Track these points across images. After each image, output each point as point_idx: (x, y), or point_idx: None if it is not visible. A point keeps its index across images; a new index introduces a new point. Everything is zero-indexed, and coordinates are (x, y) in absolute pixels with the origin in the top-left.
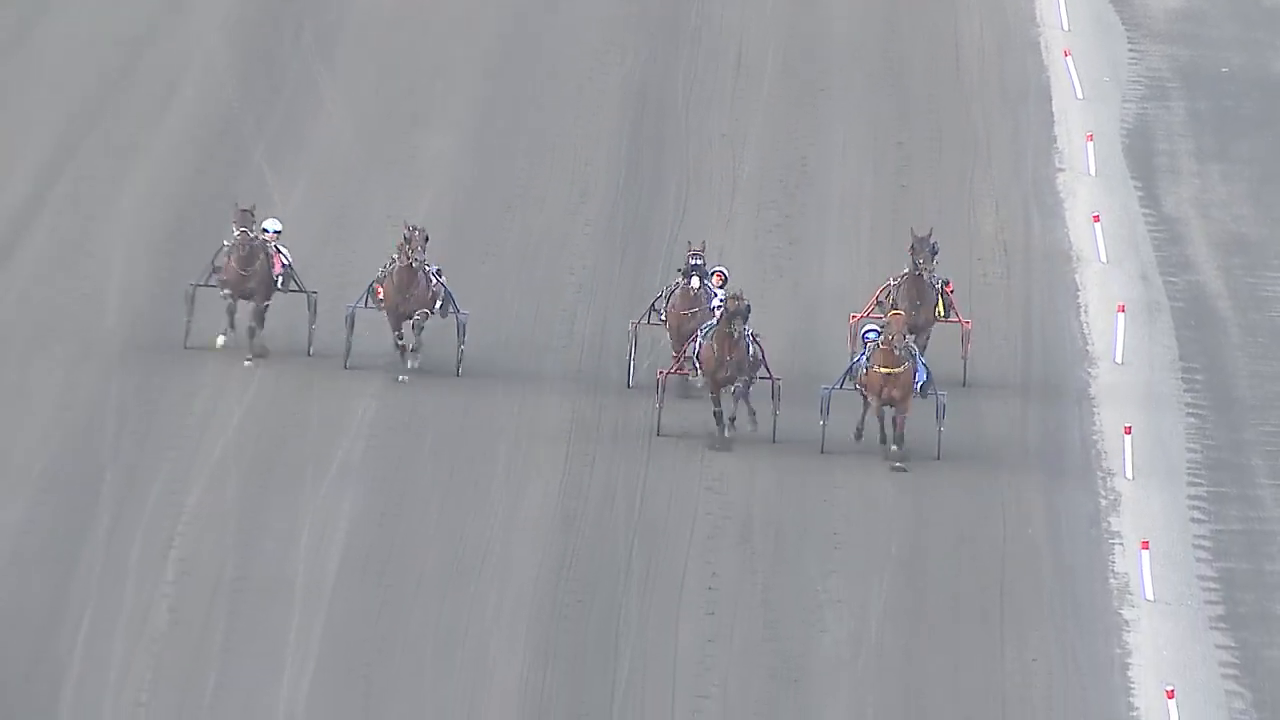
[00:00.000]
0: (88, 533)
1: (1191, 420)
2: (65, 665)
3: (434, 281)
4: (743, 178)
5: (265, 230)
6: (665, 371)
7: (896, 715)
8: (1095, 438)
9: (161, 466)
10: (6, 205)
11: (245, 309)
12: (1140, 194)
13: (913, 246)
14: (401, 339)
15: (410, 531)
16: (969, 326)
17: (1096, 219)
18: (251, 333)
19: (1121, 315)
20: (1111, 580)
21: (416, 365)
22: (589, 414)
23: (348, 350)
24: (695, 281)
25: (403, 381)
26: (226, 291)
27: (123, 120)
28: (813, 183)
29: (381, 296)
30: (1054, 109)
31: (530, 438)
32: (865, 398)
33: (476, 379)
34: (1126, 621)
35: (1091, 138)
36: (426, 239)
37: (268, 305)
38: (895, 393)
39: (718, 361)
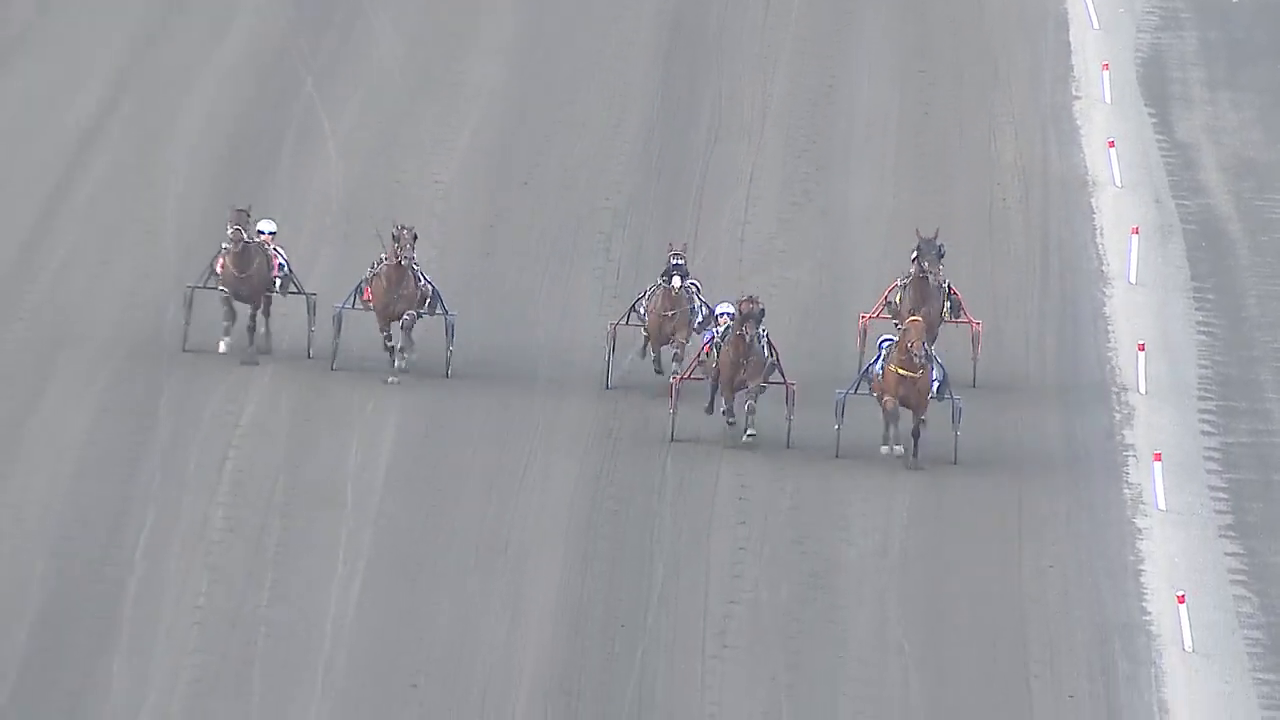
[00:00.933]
0: (147, 446)
1: (1202, 338)
2: (127, 570)
3: (422, 281)
4: (772, 102)
5: (261, 232)
6: (680, 377)
7: (919, 619)
8: (1110, 355)
9: (217, 388)
10: (72, 128)
11: (245, 311)
12: (1154, 120)
13: (919, 248)
14: (390, 339)
15: (454, 444)
16: (979, 328)
17: (1111, 145)
18: (250, 334)
19: (1135, 237)
20: (1125, 490)
21: (404, 365)
22: (626, 333)
23: (334, 351)
24: (676, 282)
25: (392, 383)
26: (225, 293)
27: (178, 47)
28: (839, 108)
29: (369, 297)
30: (1071, 39)
31: (569, 353)
32: (881, 401)
33: (517, 300)
34: (1139, 530)
35: (1107, 67)
36: (415, 237)
37: (268, 304)
38: (911, 395)
39: (734, 365)
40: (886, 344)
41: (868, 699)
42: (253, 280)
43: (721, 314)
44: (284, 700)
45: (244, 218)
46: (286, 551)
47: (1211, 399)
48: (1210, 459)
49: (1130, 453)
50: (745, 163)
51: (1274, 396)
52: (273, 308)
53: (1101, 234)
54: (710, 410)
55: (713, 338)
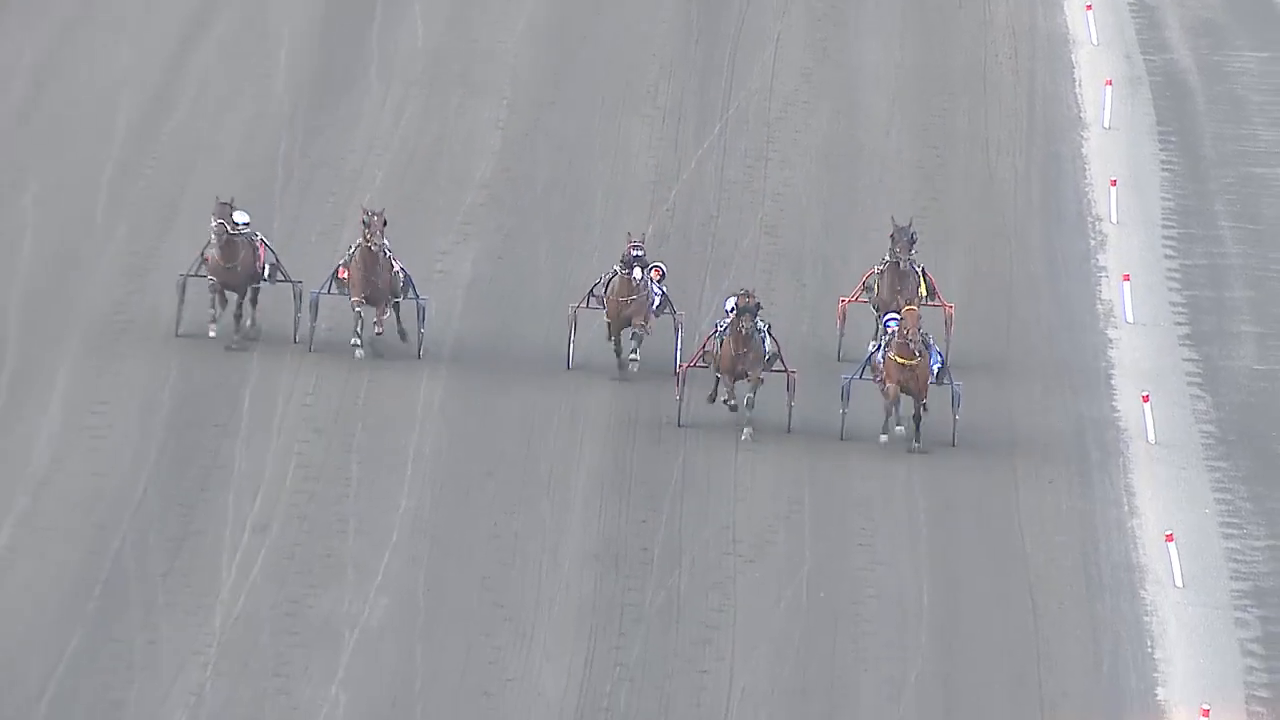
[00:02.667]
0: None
1: (1166, 174)
2: (236, 424)
3: (394, 266)
4: None
5: (236, 224)
6: (686, 365)
7: (929, 422)
8: (1087, 189)
9: (317, 216)
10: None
11: (233, 300)
12: None
13: (892, 235)
14: (378, 325)
15: (523, 268)
16: (951, 310)
17: (1089, 8)
18: (238, 321)
19: (1109, 88)
20: (1099, 306)
21: (361, 353)
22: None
23: (311, 335)
24: (637, 273)
25: (360, 354)
26: (213, 281)
27: None
28: None
29: (345, 278)
30: None
31: (624, 184)
32: (884, 389)
33: (578, 142)
34: (1110, 340)
35: None
36: (385, 223)
37: (256, 293)
38: (912, 383)
39: (735, 356)
40: (891, 323)
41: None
42: (239, 270)
43: (729, 309)
44: (378, 482)
45: (227, 210)
46: (380, 359)
47: (1173, 227)
48: (1171, 278)
49: (1104, 273)
50: (773, 29)
51: (1226, 224)
52: (260, 296)
53: (1079, 85)
54: (713, 399)
55: (716, 329)
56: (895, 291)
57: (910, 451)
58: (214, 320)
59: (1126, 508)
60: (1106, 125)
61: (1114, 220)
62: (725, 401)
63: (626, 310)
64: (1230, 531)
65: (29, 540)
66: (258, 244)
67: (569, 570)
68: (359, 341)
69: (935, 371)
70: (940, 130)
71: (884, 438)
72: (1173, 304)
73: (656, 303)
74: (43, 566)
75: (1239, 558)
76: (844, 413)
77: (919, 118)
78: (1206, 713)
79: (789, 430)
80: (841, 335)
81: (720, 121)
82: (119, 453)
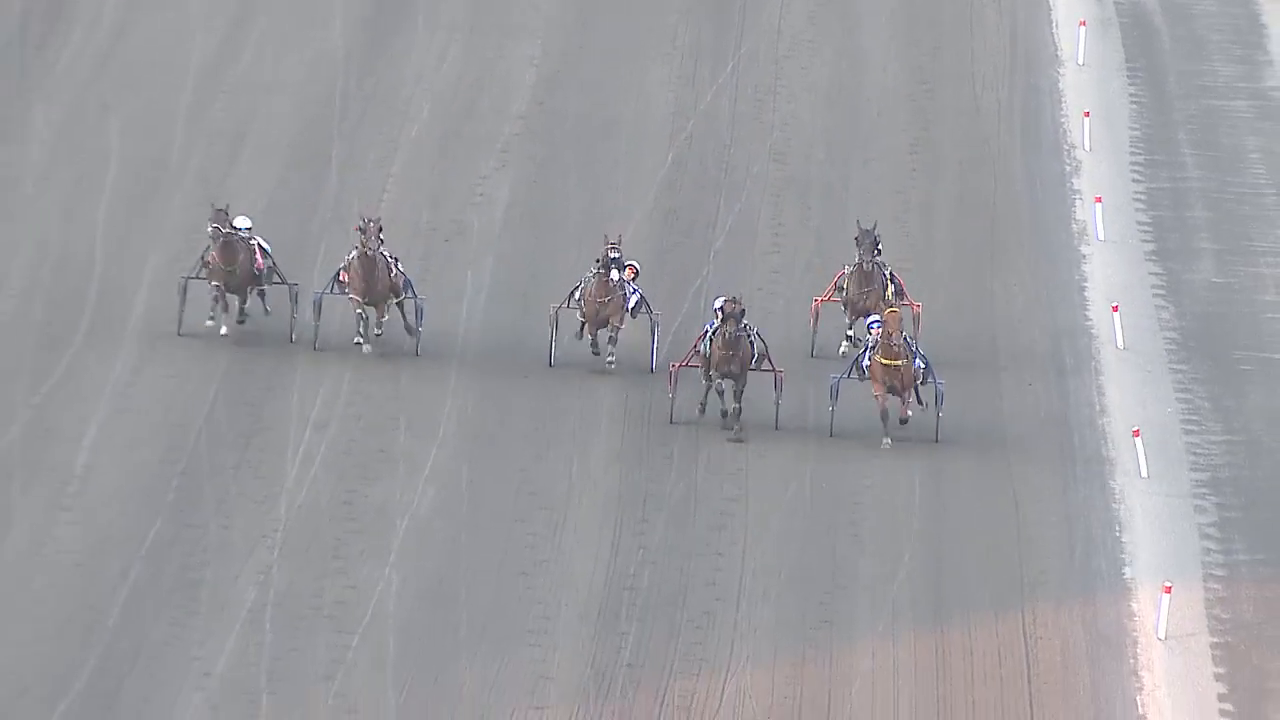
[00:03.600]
0: (322, 194)
1: (1134, 106)
2: (309, 281)
3: (394, 270)
4: None
5: (236, 229)
6: (677, 364)
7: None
8: (1062, 120)
9: (371, 145)
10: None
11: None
12: None
13: (857, 238)
14: (366, 319)
15: (555, 192)
16: (918, 309)
17: None
18: (239, 323)
19: (1083, 28)
20: (1073, 226)
21: (368, 348)
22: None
23: (316, 333)
24: (614, 274)
25: (366, 350)
26: (214, 283)
27: None
28: None
29: (346, 281)
30: None
31: (645, 119)
32: (876, 398)
33: (607, 74)
34: (1084, 256)
35: None
36: (381, 229)
37: (251, 294)
38: (897, 382)
39: (723, 357)
40: (875, 325)
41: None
42: (238, 272)
43: (716, 309)
44: (426, 387)
45: (223, 216)
46: (427, 274)
47: (1140, 154)
48: (1138, 200)
49: (1077, 196)
50: None
51: (1189, 151)
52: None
53: (1056, 26)
54: (703, 411)
55: (705, 331)
56: (863, 292)
57: (899, 422)
58: (212, 319)
59: (1098, 407)
60: (1080, 62)
61: (1087, 148)
62: (720, 411)
63: (604, 311)
64: (1190, 428)
65: (113, 440)
66: (255, 248)
67: (597, 465)
68: (362, 339)
69: (920, 371)
70: (931, 67)
71: (887, 441)
72: (1139, 224)
73: (633, 302)
74: (126, 463)
75: (1198, 451)
76: (832, 409)
77: (912, 56)
78: (1168, 589)
79: (776, 427)
80: (814, 333)
81: (733, 60)
82: (192, 362)
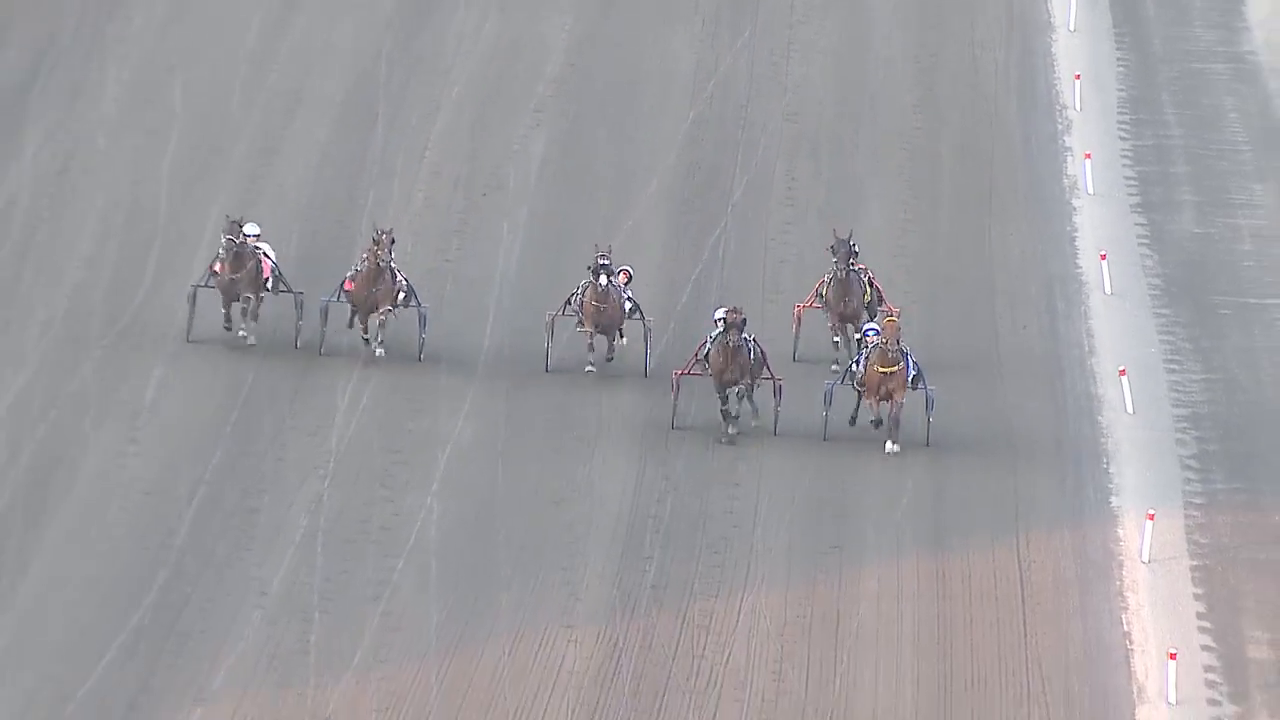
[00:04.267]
0: (369, 149)
1: (1121, 69)
2: (357, 231)
3: (399, 279)
4: None
5: (246, 235)
6: (680, 371)
7: (921, 278)
8: (1055, 82)
9: (416, 104)
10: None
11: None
12: None
13: (832, 247)
14: (365, 330)
15: (586, 148)
16: (898, 313)
17: None
18: (246, 324)
19: None
20: (1065, 180)
21: (382, 353)
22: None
23: (321, 339)
24: (604, 280)
25: (380, 354)
26: (223, 297)
27: None
28: None
29: (351, 291)
30: None
31: (670, 78)
32: (860, 394)
33: (633, 40)
34: (1074, 208)
35: None
36: (393, 241)
37: (260, 302)
38: (891, 388)
39: (724, 366)
40: (870, 333)
41: None
42: (244, 280)
43: (717, 319)
44: (465, 327)
45: (236, 228)
46: (467, 225)
47: (1127, 113)
48: (1125, 157)
49: (1069, 152)
50: None
51: (1171, 111)
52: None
53: None
54: (724, 433)
55: (706, 341)
56: (842, 299)
57: (889, 451)
58: (227, 327)
59: (1086, 348)
60: (1071, 29)
61: (1077, 108)
62: (721, 410)
63: (598, 317)
64: (1172, 367)
65: (176, 381)
66: (262, 257)
67: (626, 401)
68: (368, 339)
69: (911, 378)
70: (933, 34)
71: (894, 446)
72: (1126, 178)
73: (628, 307)
74: (189, 399)
75: (1179, 389)
76: (826, 415)
77: (916, 24)
78: (1151, 516)
79: (775, 433)
80: (796, 338)
81: (750, 26)
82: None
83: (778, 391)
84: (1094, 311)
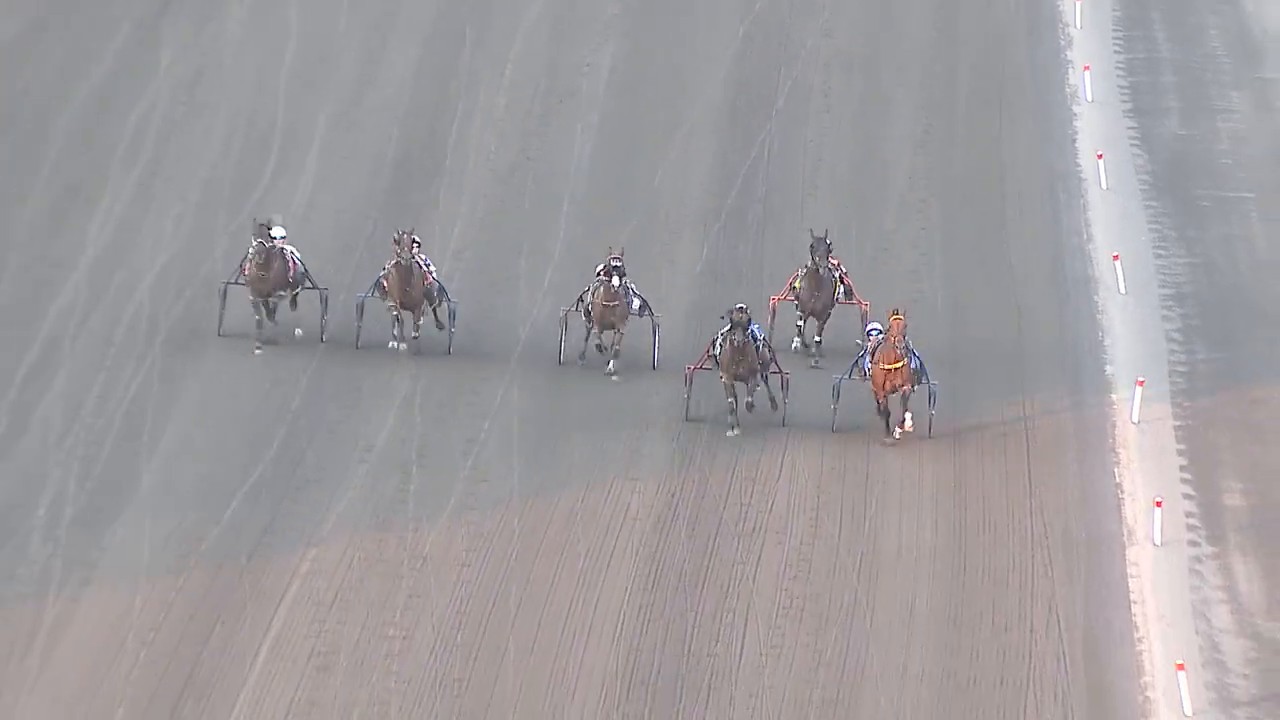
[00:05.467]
0: (457, 66)
1: (1118, 14)
2: (448, 135)
3: (429, 277)
4: None
5: (274, 237)
6: (693, 367)
7: (939, 175)
8: (1058, 3)
9: (498, 25)
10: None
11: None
12: None
13: (811, 245)
14: (401, 322)
15: (648, 63)
16: (866, 307)
17: None
18: (267, 323)
19: None
20: (1066, 89)
21: (403, 346)
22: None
23: (358, 334)
24: (616, 280)
25: (399, 349)
26: (251, 294)
27: None
28: None
29: (387, 288)
30: None
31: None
32: (876, 399)
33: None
34: (1074, 113)
35: None
36: (414, 241)
37: (281, 299)
38: (896, 382)
39: (732, 362)
40: (874, 332)
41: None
42: (272, 279)
43: (724, 316)
44: (544, 219)
45: (265, 230)
46: (546, 128)
47: (1121, 31)
48: (1119, 69)
49: (1070, 65)
50: None
51: (1161, 28)
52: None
53: None
54: (732, 424)
55: (715, 338)
56: (814, 294)
57: (888, 443)
58: (259, 325)
59: (1085, 236)
60: None
61: (1078, 26)
62: (728, 402)
63: (609, 316)
64: (1160, 253)
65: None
66: (289, 257)
67: (682, 279)
68: (397, 342)
69: (915, 372)
70: None
71: (890, 438)
72: (1120, 87)
73: (637, 305)
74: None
75: (1165, 272)
76: (835, 408)
77: None
78: (1141, 383)
79: (783, 424)
80: (771, 329)
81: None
82: (354, 193)
83: (785, 385)
84: (1091, 204)
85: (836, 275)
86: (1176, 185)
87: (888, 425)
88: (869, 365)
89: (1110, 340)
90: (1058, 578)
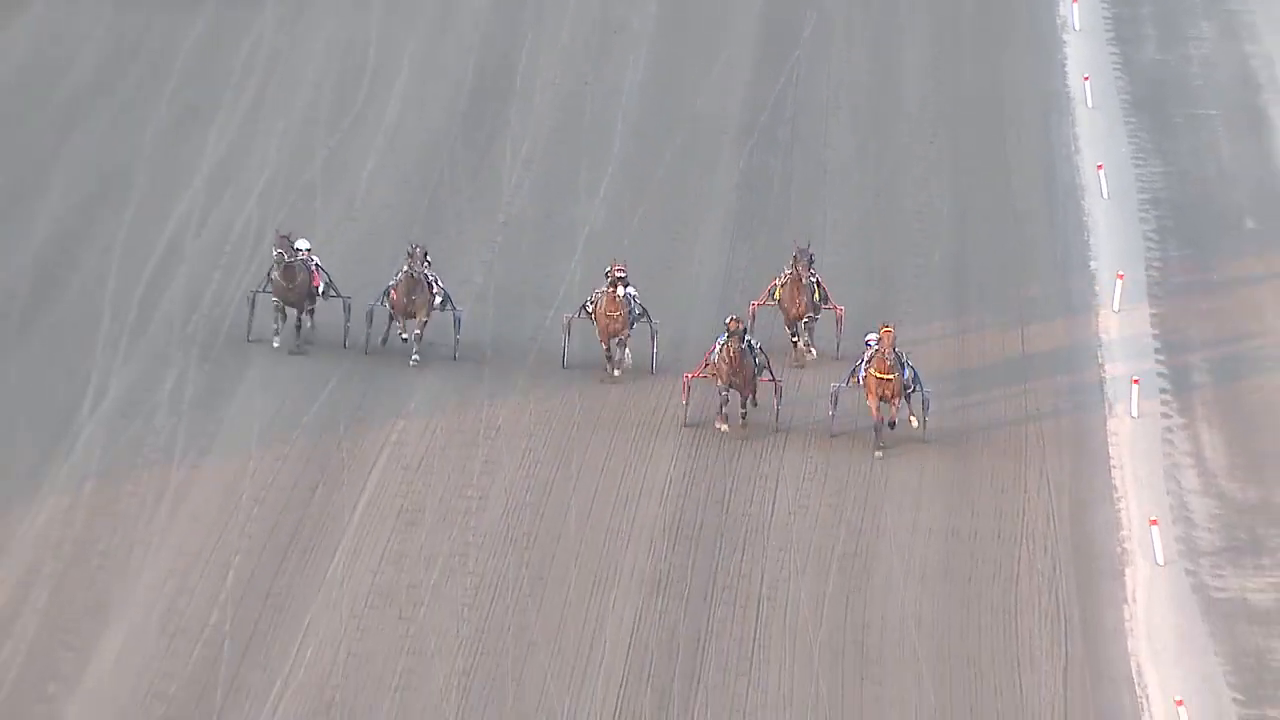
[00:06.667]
0: (524, 13)
1: None
2: (518, 64)
3: (435, 287)
4: None
5: (298, 250)
6: (690, 375)
7: (947, 95)
8: None
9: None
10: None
11: (293, 314)
12: None
13: (795, 256)
14: (404, 332)
15: (689, 6)
16: (841, 312)
17: None
18: (297, 330)
19: None
20: (1057, 19)
21: (417, 359)
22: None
23: (367, 341)
24: (620, 290)
25: (414, 363)
26: (275, 299)
27: None
28: None
29: (393, 299)
30: None
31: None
32: (870, 409)
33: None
34: (1064, 41)
35: None
36: (426, 254)
37: (312, 310)
38: (888, 392)
39: (729, 370)
40: (871, 340)
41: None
42: (297, 289)
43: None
44: (600, 128)
45: (287, 242)
46: (603, 57)
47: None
48: (1104, 2)
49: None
50: None
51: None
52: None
53: None
54: (721, 410)
55: (715, 345)
56: (794, 300)
57: (879, 449)
58: (276, 332)
59: (1073, 147)
60: None
61: None
62: (723, 410)
63: (613, 325)
64: (1138, 162)
65: (383, 172)
66: (313, 268)
67: (721, 188)
68: (406, 338)
69: (908, 381)
70: None
71: (878, 453)
72: (1104, 17)
73: (638, 312)
74: (394, 183)
75: (1143, 180)
76: (833, 415)
77: None
78: (1121, 276)
79: (776, 429)
80: (751, 332)
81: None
82: (437, 114)
83: (779, 392)
84: (1079, 120)
85: (814, 282)
86: (1153, 104)
87: (877, 440)
88: (864, 374)
89: (1094, 239)
90: (1048, 446)
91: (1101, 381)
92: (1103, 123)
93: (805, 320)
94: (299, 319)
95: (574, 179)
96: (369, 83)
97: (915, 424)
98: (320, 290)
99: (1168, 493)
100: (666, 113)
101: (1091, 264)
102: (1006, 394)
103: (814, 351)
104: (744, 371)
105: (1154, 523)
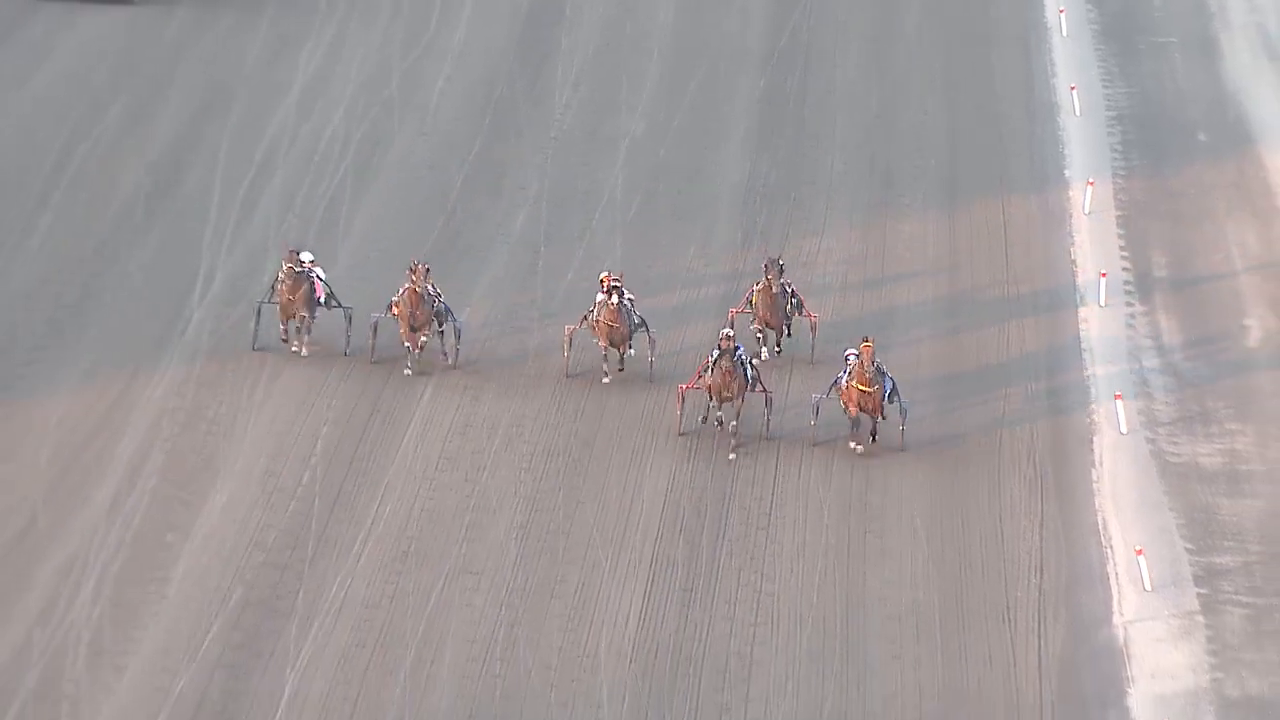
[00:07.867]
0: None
1: None
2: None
3: (436, 302)
4: None
5: (303, 261)
6: (684, 387)
7: (938, 26)
8: None
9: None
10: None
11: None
12: None
13: (766, 265)
14: (407, 344)
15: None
16: (815, 319)
17: None
18: (298, 341)
19: None
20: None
21: (409, 371)
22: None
23: (372, 349)
24: (615, 299)
25: (408, 374)
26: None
27: None
28: None
29: (396, 313)
30: None
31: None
32: (846, 411)
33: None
34: (1052, 47)
35: None
36: (428, 270)
37: (313, 320)
38: (868, 404)
39: (722, 385)
40: (851, 355)
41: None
42: (300, 301)
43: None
44: (639, 59)
45: (294, 256)
46: (637, 4)
47: None
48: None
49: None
50: None
51: None
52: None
53: None
54: (705, 420)
55: (707, 362)
56: (769, 308)
57: (857, 451)
58: (285, 339)
59: (1049, 71)
60: None
61: None
62: (716, 419)
63: (616, 335)
64: (1107, 83)
65: (453, 86)
66: (315, 279)
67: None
68: (409, 371)
69: (887, 393)
70: None
71: (853, 445)
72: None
73: (636, 321)
74: (458, 96)
75: (1110, 99)
76: (814, 423)
77: None
78: (1091, 183)
79: (767, 437)
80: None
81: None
82: (497, 37)
83: (769, 403)
84: (1054, 47)
85: (789, 290)
86: (1119, 33)
87: (855, 431)
88: (845, 386)
89: (1069, 150)
90: (1027, 334)
91: (1074, 273)
92: (1075, 49)
93: (777, 331)
94: (300, 329)
95: (615, 97)
96: (438, 12)
97: (861, 449)
98: (322, 300)
99: (1131, 371)
100: (694, 39)
101: (1066, 172)
102: (990, 293)
103: (773, 356)
104: (735, 385)
105: (1118, 397)
